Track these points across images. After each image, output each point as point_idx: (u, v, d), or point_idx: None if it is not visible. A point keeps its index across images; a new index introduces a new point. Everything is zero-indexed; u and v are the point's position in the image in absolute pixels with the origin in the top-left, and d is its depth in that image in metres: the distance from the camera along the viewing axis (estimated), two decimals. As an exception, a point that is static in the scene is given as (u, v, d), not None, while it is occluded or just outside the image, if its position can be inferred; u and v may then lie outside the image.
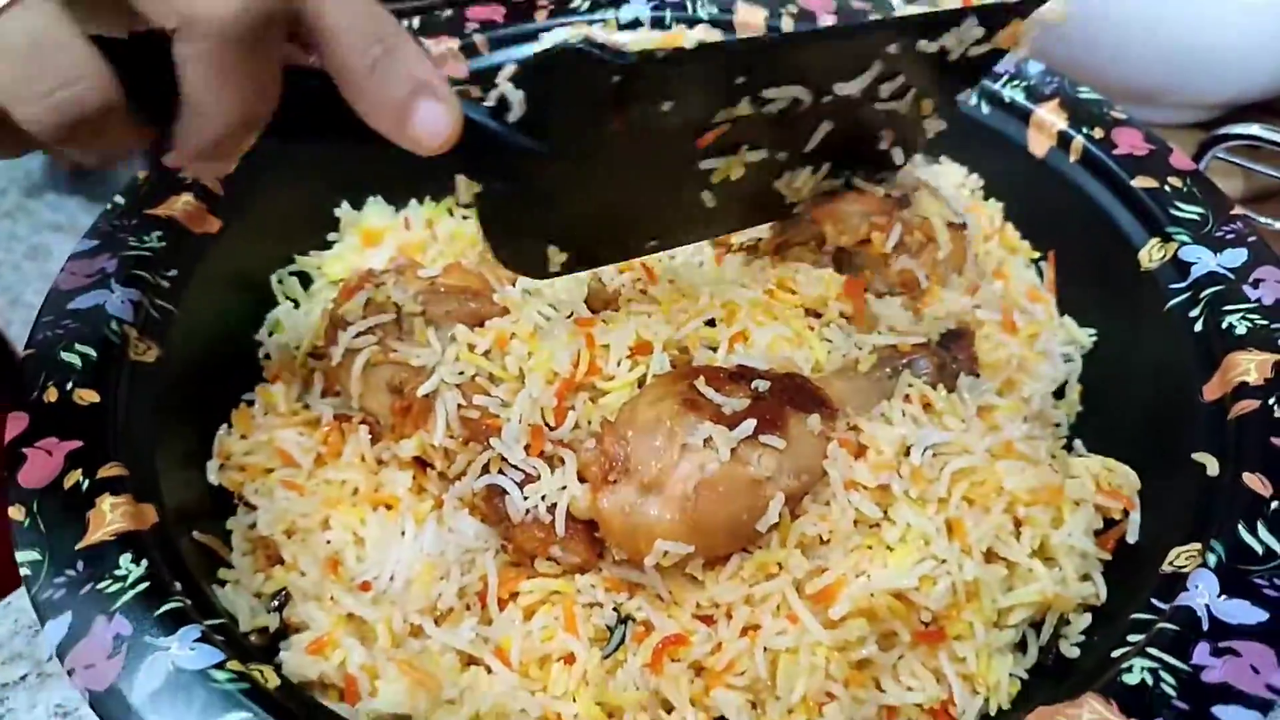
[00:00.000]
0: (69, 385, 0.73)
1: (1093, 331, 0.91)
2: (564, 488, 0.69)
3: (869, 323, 0.83)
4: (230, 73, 0.50)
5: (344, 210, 1.01)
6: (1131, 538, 0.76)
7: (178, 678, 0.58)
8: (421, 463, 0.80)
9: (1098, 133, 0.93)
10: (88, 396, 0.73)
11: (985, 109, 0.99)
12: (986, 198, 1.01)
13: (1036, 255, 0.97)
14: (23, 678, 0.86)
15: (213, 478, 0.81)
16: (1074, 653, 0.70)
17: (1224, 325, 0.77)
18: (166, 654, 0.59)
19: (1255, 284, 0.79)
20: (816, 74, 0.72)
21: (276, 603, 0.72)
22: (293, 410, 0.85)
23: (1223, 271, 0.80)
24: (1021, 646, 0.73)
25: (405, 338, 0.82)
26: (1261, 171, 1.03)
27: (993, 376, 0.81)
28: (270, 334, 0.92)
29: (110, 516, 0.66)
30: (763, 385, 0.70)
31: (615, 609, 0.71)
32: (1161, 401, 0.80)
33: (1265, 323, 0.76)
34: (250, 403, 0.87)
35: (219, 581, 0.73)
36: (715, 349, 0.78)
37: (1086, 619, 0.72)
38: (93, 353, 0.76)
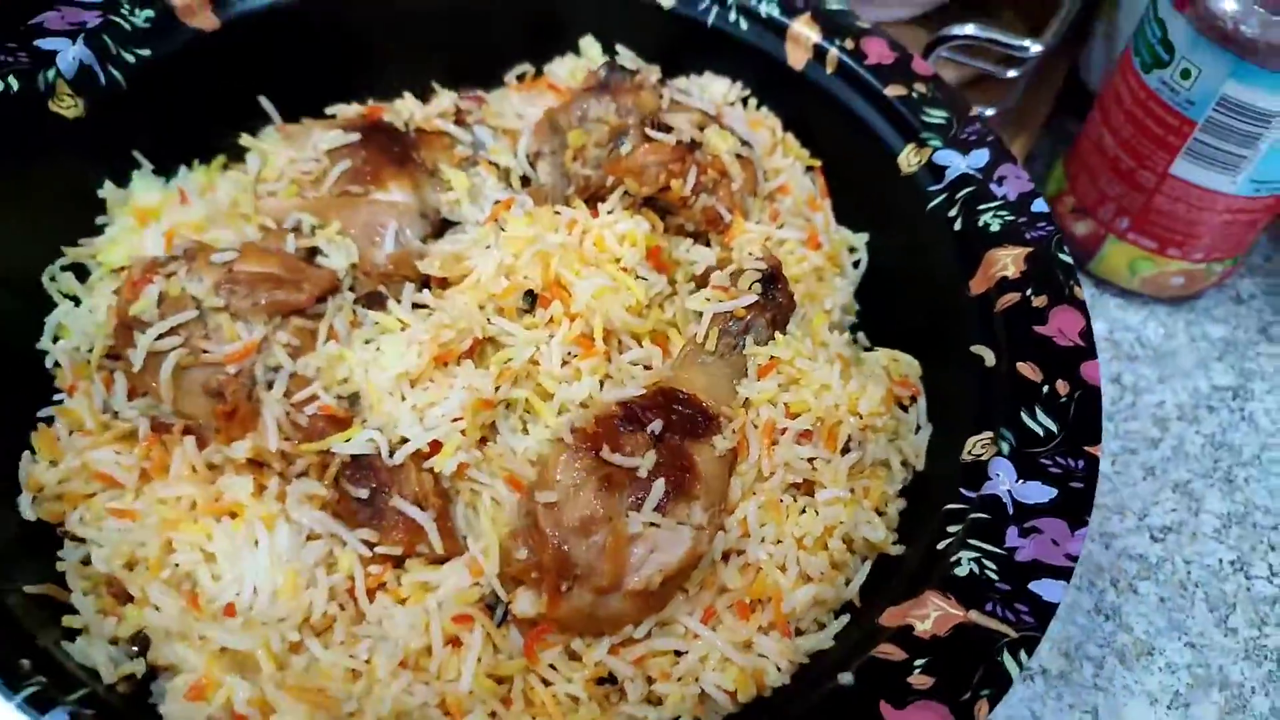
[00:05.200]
0: None
1: (866, 237, 0.90)
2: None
3: (672, 266, 0.81)
4: None
5: (108, 189, 0.84)
6: (920, 421, 0.78)
7: (54, 773, 0.49)
8: (253, 462, 0.70)
9: (849, 44, 0.90)
10: None
11: (744, 24, 0.94)
12: (758, 107, 0.96)
13: (816, 163, 0.94)
14: None
15: (28, 513, 0.68)
16: (898, 549, 0.71)
17: (980, 224, 0.78)
18: (34, 749, 0.49)
19: (999, 181, 0.80)
20: None
21: (136, 647, 0.62)
22: (101, 424, 0.72)
23: (972, 173, 0.81)
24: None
25: (213, 335, 0.70)
26: (975, 65, 1.05)
27: (798, 292, 0.79)
28: (55, 340, 0.77)
29: (-74, 603, 0.54)
30: (657, 426, 0.65)
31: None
32: (932, 297, 0.81)
33: (1013, 218, 0.78)
34: (49, 420, 0.73)
35: (66, 631, 0.62)
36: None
37: (901, 504, 0.74)
38: None
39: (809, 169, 0.94)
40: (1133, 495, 0.94)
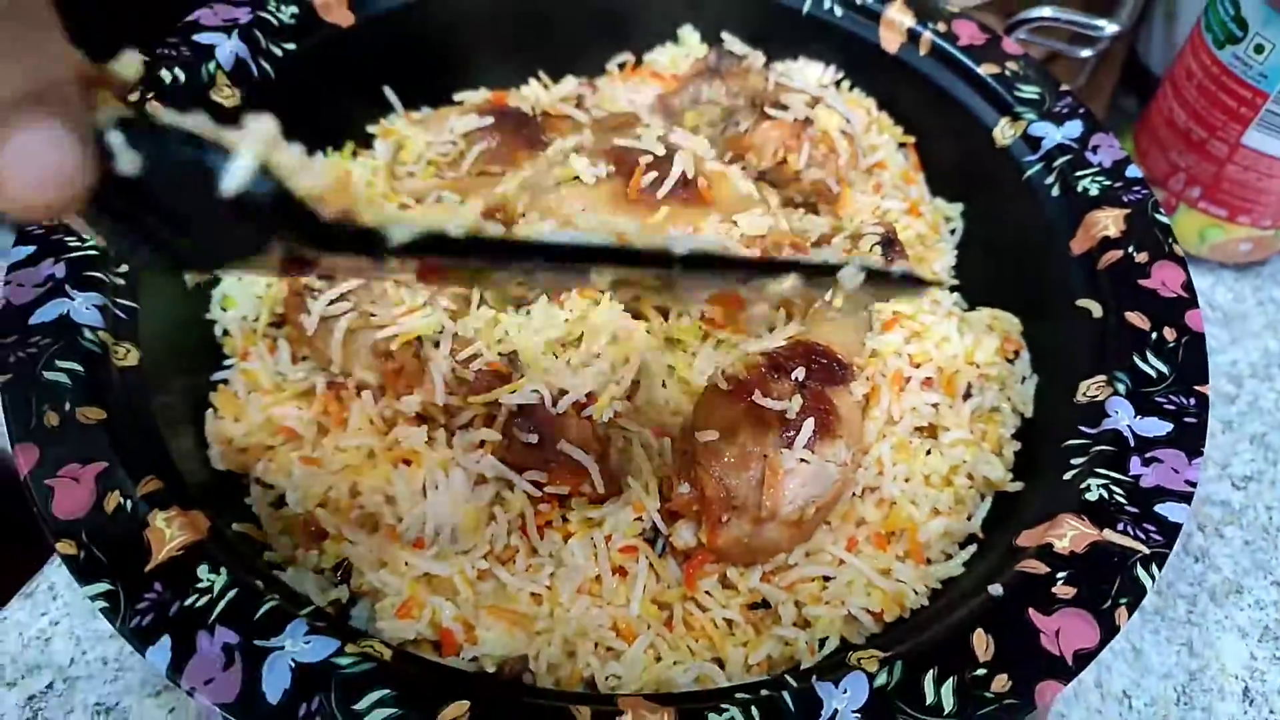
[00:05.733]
0: (67, 405, 0.64)
1: (961, 206, 0.96)
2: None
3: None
4: None
5: (259, 174, 0.90)
6: (1025, 373, 0.83)
7: (305, 673, 0.54)
8: (419, 416, 0.76)
9: (941, 27, 0.95)
10: (92, 414, 0.64)
11: (838, 11, 0.99)
12: (850, 89, 1.02)
13: (910, 140, 0.99)
14: (49, 686, 0.78)
15: (219, 464, 0.74)
16: (1015, 486, 0.76)
17: (1079, 189, 0.83)
18: (284, 653, 0.55)
19: (1094, 150, 0.86)
20: None
21: (339, 576, 0.68)
22: (277, 385, 0.78)
23: (1068, 143, 0.86)
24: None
25: (379, 300, 0.77)
26: (1047, 44, 1.10)
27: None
28: (223, 310, 0.83)
29: (170, 532, 0.60)
30: (800, 373, 0.71)
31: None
32: (1031, 258, 0.87)
33: (1110, 183, 0.83)
34: (224, 382, 0.79)
35: (274, 566, 0.68)
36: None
37: (1016, 446, 0.79)
38: (78, 367, 0.66)
39: (901, 146, 1.00)
40: (1213, 447, 0.99)
